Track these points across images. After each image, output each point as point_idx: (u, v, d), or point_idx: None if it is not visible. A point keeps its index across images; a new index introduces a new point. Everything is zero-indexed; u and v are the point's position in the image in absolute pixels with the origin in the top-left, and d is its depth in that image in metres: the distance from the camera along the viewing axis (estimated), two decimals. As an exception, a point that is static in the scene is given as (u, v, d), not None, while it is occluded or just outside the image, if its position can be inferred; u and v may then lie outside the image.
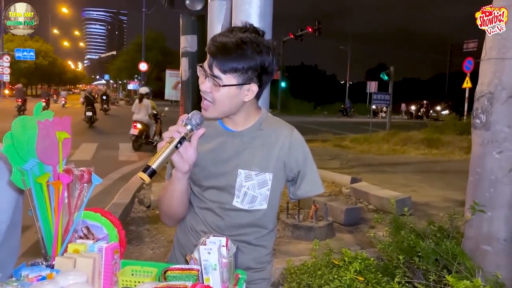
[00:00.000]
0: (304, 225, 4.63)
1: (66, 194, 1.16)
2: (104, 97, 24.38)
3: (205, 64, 1.25)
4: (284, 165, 1.35)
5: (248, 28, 1.26)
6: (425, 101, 37.59)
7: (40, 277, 1.02)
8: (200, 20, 5.80)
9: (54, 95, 33.93)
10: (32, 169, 1.10)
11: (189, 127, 1.22)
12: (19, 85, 22.25)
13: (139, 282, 1.08)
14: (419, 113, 36.18)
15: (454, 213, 2.73)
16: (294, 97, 40.61)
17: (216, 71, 1.21)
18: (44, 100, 22.52)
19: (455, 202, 5.73)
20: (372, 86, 20.73)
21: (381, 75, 19.02)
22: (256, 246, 1.38)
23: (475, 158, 2.69)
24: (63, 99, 29.95)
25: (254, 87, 1.27)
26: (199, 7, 4.65)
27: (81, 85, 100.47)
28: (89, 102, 16.53)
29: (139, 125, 10.38)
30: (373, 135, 15.12)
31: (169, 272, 1.06)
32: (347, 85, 47.27)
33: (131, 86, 46.34)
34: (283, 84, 31.87)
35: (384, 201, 5.72)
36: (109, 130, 16.04)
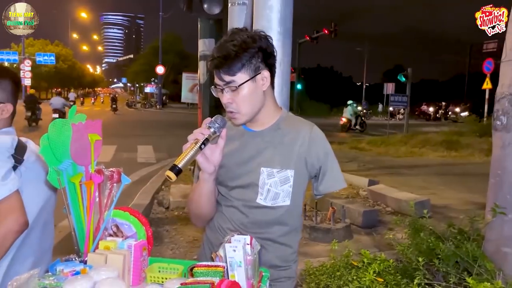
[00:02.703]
0: (322, 227, 4.64)
1: (97, 193, 1.21)
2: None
3: (216, 81, 1.32)
4: (306, 162, 1.38)
5: (231, 32, 1.34)
6: (443, 103, 37.00)
7: (74, 272, 1.08)
8: (217, 24, 5.87)
9: (97, 96, 52.89)
10: (66, 169, 1.15)
11: (212, 129, 1.28)
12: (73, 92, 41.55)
13: (166, 279, 1.13)
14: (437, 115, 35.59)
15: (475, 216, 2.71)
16: (311, 99, 40.39)
17: (227, 77, 1.29)
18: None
19: (475, 205, 5.65)
20: (389, 88, 20.51)
21: (398, 77, 18.84)
22: (280, 244, 1.41)
23: (496, 161, 2.67)
24: (101, 98, 50.02)
25: (265, 73, 1.34)
26: (217, 11, 4.71)
27: (99, 88, 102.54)
28: (114, 100, 28.83)
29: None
30: (390, 137, 14.98)
31: (196, 268, 1.09)
32: (364, 87, 46.84)
33: (148, 89, 47.03)
34: (299, 86, 31.67)
35: (402, 203, 5.67)
36: (127, 132, 16.33)
